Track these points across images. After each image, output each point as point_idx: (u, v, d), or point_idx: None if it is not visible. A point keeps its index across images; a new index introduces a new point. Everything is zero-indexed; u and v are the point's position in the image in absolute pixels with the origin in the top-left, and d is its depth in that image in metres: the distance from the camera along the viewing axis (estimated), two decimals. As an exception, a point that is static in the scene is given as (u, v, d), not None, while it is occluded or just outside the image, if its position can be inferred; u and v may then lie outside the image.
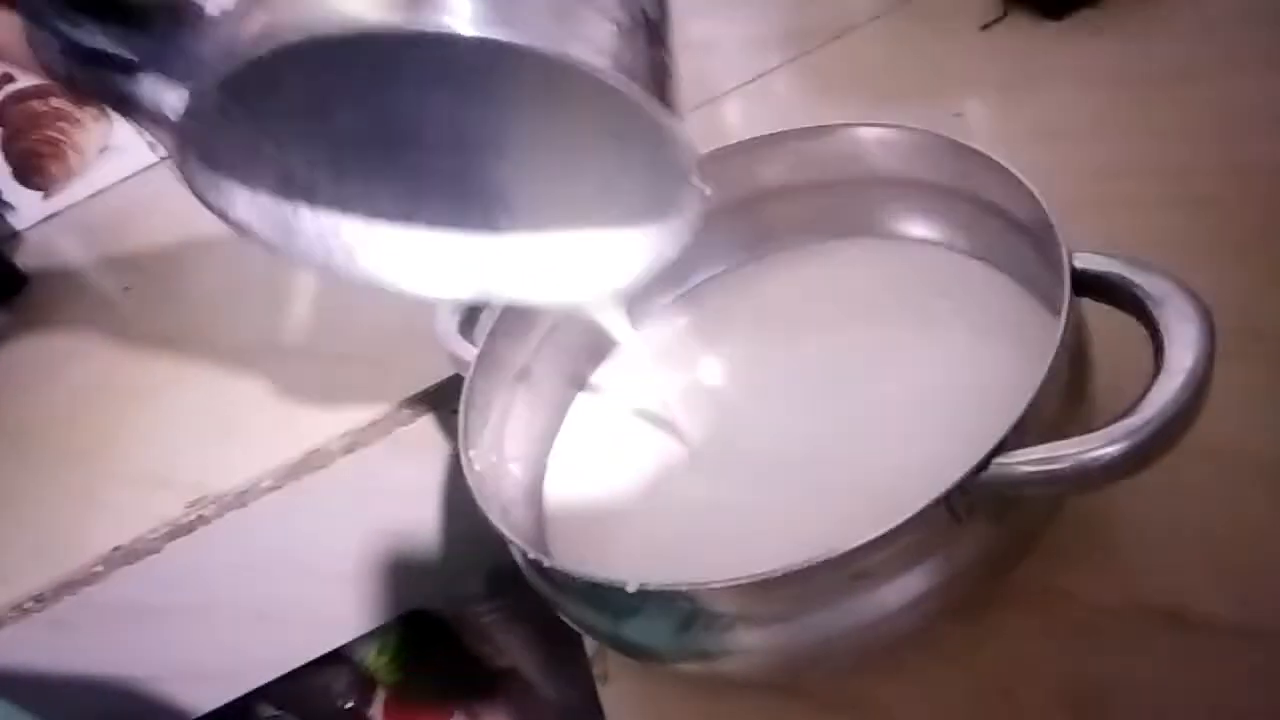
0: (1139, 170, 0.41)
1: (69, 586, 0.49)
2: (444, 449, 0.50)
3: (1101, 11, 0.49)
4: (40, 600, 0.49)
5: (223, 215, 0.29)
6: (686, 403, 0.36)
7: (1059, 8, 0.49)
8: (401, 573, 0.55)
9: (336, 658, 0.82)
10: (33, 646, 0.50)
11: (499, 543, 0.52)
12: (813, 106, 0.56)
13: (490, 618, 0.76)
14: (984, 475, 0.24)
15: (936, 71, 0.53)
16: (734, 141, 0.38)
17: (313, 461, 0.49)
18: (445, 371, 0.48)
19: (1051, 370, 0.25)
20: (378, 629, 0.80)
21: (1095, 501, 0.30)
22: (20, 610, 0.48)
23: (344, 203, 0.31)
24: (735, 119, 0.59)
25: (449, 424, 0.49)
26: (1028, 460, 0.24)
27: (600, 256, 0.31)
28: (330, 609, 0.55)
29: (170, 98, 0.25)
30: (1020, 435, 0.24)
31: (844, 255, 0.38)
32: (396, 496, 0.52)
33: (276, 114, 0.28)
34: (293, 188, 0.30)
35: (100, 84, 0.26)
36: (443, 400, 0.48)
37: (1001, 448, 0.24)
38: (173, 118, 0.25)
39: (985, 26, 0.51)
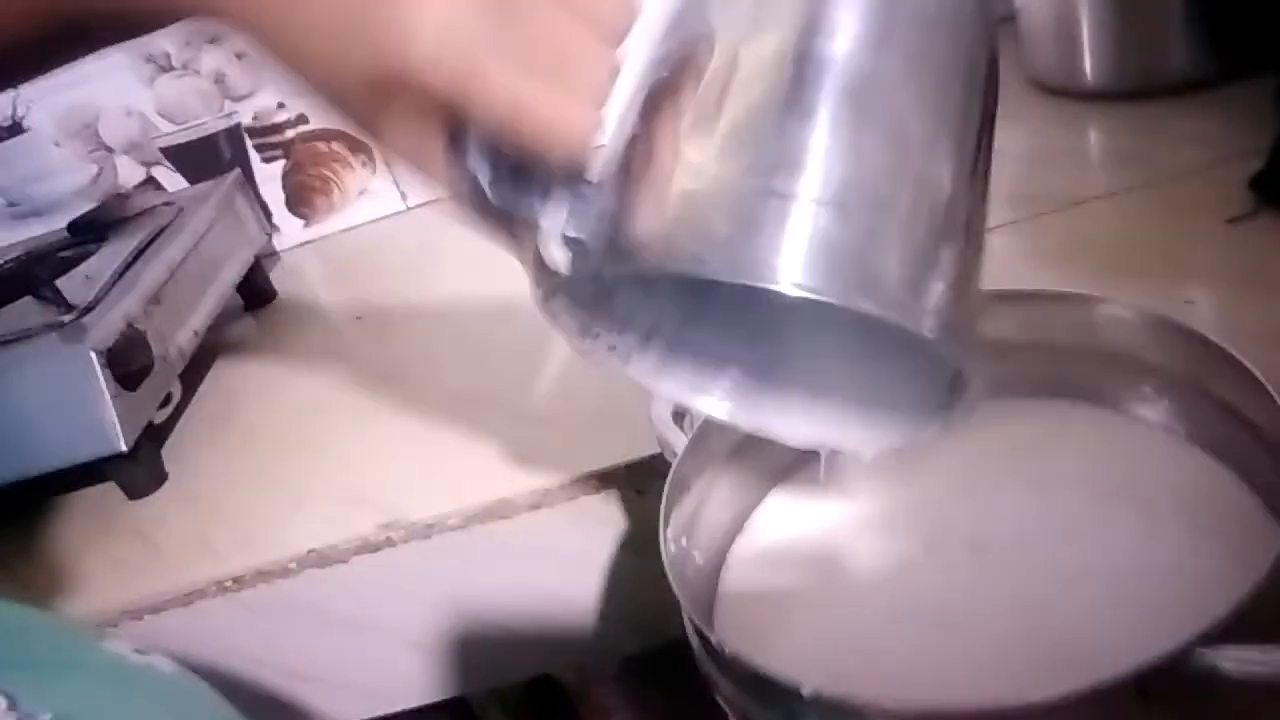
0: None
1: (264, 576, 0.53)
2: (619, 526, 0.53)
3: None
4: (238, 582, 0.53)
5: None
6: (875, 528, 0.37)
7: (1316, 215, 0.48)
8: (549, 635, 0.57)
9: (458, 706, 0.84)
10: (219, 622, 0.54)
11: (650, 627, 0.54)
12: (1029, 270, 0.56)
13: (615, 700, 0.77)
14: (1184, 662, 0.24)
15: (1170, 256, 0.53)
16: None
17: (498, 510, 0.53)
18: (638, 453, 0.51)
19: (1273, 571, 0.25)
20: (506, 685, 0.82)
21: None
22: (220, 587, 0.53)
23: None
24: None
25: (631, 503, 0.51)
26: (1235, 658, 0.24)
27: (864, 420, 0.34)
28: (477, 654, 0.58)
29: (555, 252, 0.27)
30: (1228, 630, 0.24)
31: (1056, 418, 0.38)
32: (564, 561, 0.54)
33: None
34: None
35: (497, 221, 0.29)
36: (631, 480, 0.51)
37: (1207, 638, 0.24)
38: (552, 268, 0.28)
39: (1233, 220, 0.51)
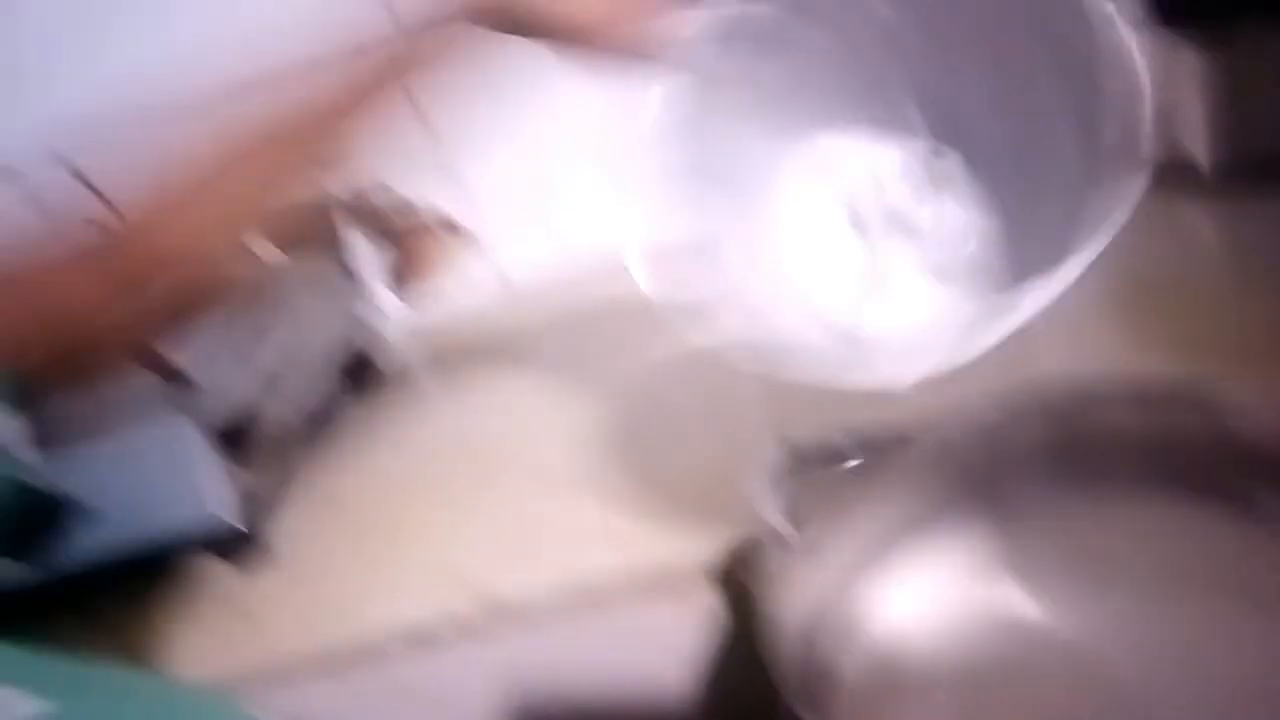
0: None
1: (362, 655, 0.54)
2: (717, 612, 0.51)
3: None
4: (336, 660, 0.54)
5: None
6: (981, 618, 0.36)
7: None
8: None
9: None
10: (316, 698, 0.55)
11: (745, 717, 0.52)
12: (1142, 357, 0.53)
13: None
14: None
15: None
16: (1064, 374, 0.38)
17: (593, 598, 0.52)
18: (737, 536, 0.50)
19: None
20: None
21: None
22: (318, 664, 0.54)
23: None
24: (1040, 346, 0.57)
25: (730, 589, 0.50)
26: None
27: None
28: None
29: None
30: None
31: (1180, 514, 0.36)
32: (657, 646, 0.53)
33: None
34: None
35: None
36: (730, 565, 0.50)
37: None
38: None
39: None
